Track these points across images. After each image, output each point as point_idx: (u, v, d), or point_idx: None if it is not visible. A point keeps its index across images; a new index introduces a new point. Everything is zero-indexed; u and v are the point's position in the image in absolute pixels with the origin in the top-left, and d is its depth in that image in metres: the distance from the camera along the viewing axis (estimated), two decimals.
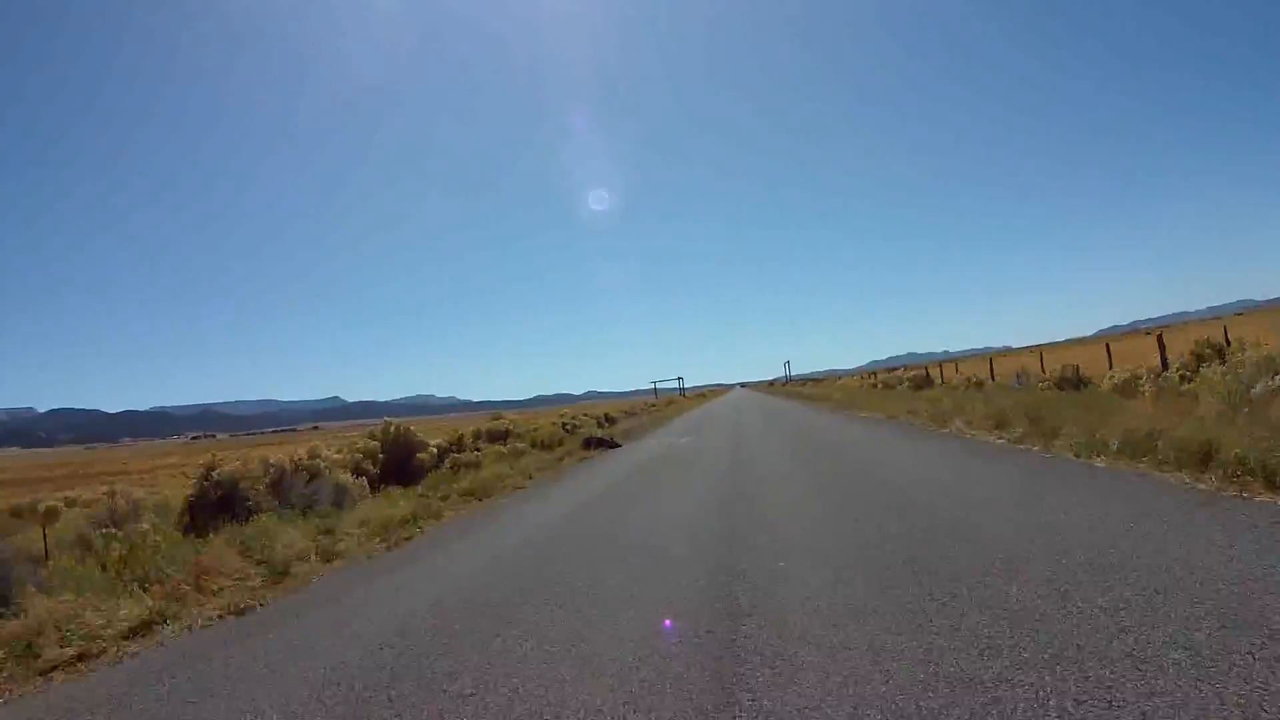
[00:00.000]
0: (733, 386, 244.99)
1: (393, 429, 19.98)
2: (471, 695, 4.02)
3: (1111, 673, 3.34)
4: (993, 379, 26.74)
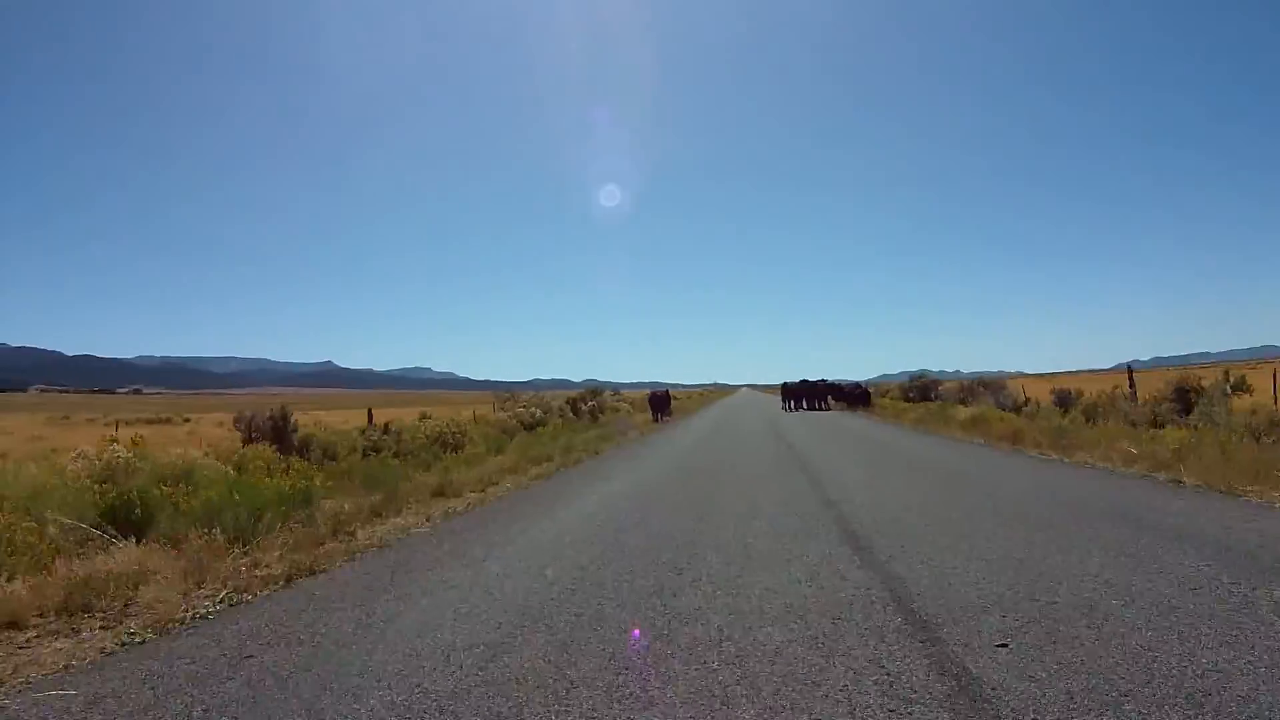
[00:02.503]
0: (739, 388, 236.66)
1: None
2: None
3: None
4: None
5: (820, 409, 41.51)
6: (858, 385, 40.65)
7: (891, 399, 41.54)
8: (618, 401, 49.10)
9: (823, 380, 43.72)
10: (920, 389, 44.97)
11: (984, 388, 33.25)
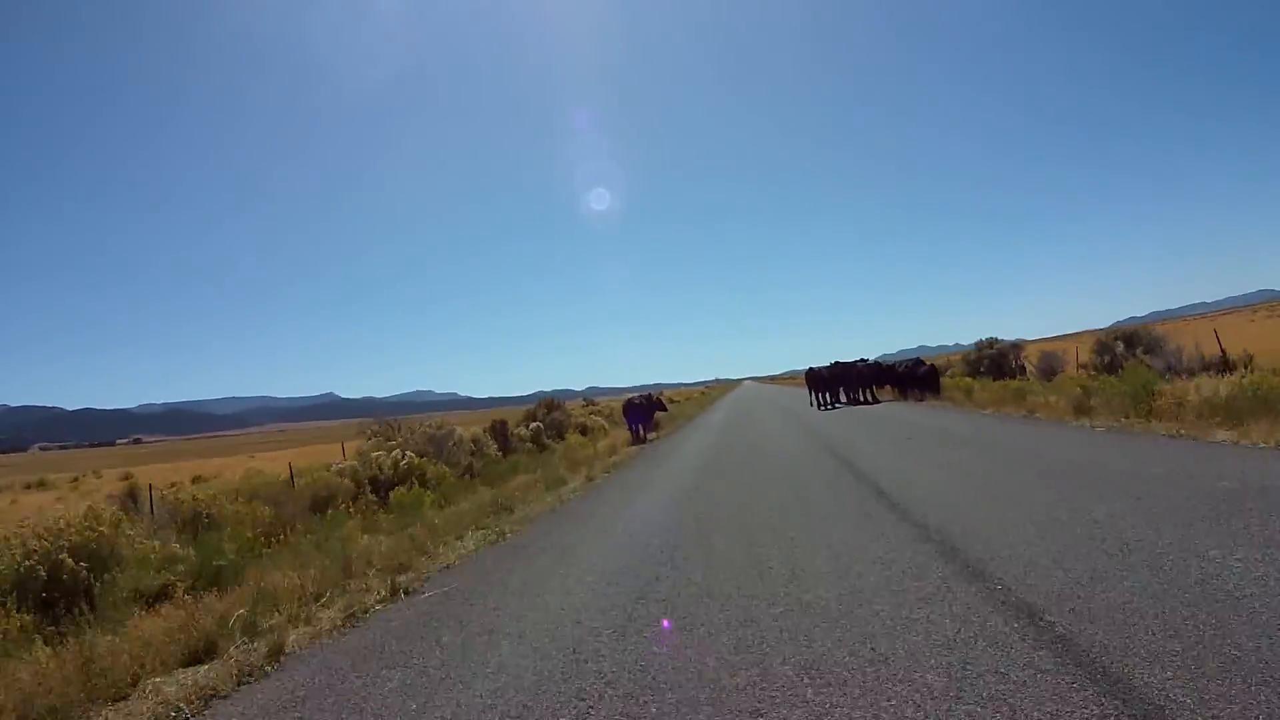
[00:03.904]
0: (742, 381, 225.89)
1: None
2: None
3: None
4: None
5: (866, 401, 29.60)
6: (919, 363, 28.67)
7: (954, 378, 29.61)
8: (592, 413, 37.16)
9: (862, 360, 31.75)
10: (993, 361, 33.16)
11: (1130, 344, 21.36)
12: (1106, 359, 21.03)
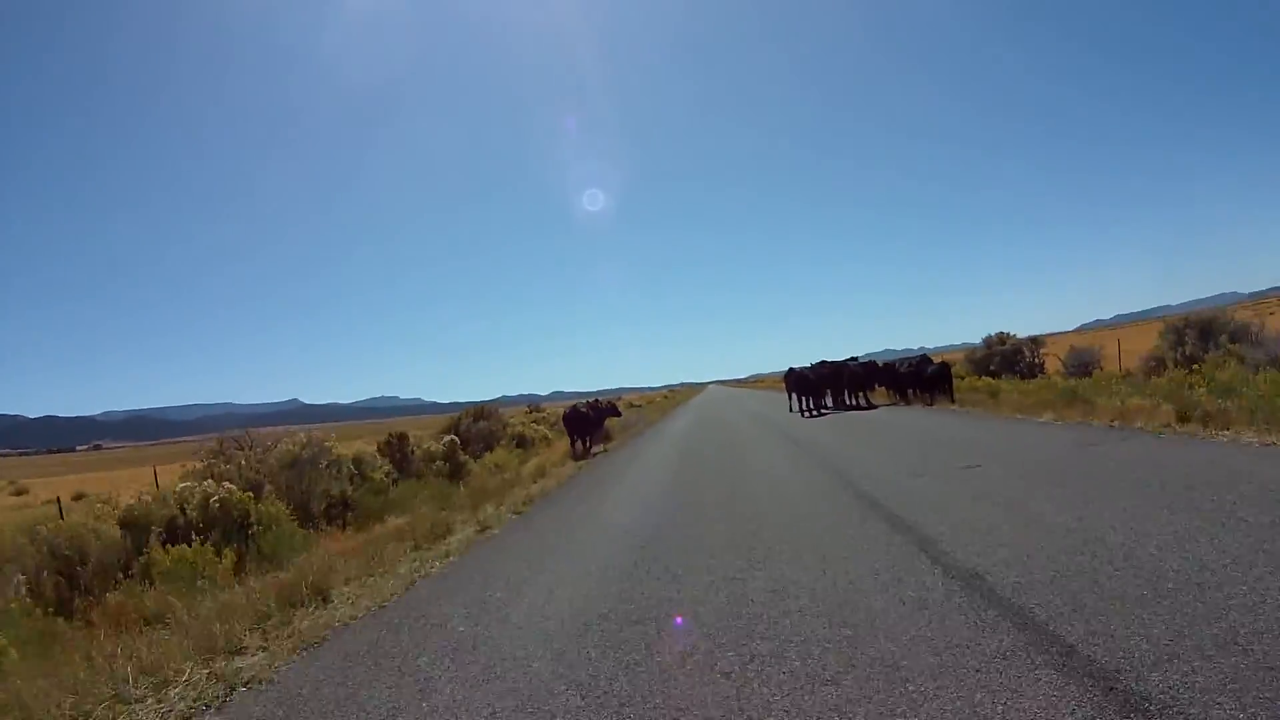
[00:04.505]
0: (707, 385, 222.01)
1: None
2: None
3: None
4: None
5: (858, 406, 24.66)
6: (925, 360, 23.76)
7: (962, 378, 24.81)
8: (535, 421, 31.76)
9: (852, 359, 26.77)
10: (1004, 359, 28.56)
11: (1206, 333, 16.71)
12: (1182, 351, 16.23)
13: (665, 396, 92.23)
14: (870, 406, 24.33)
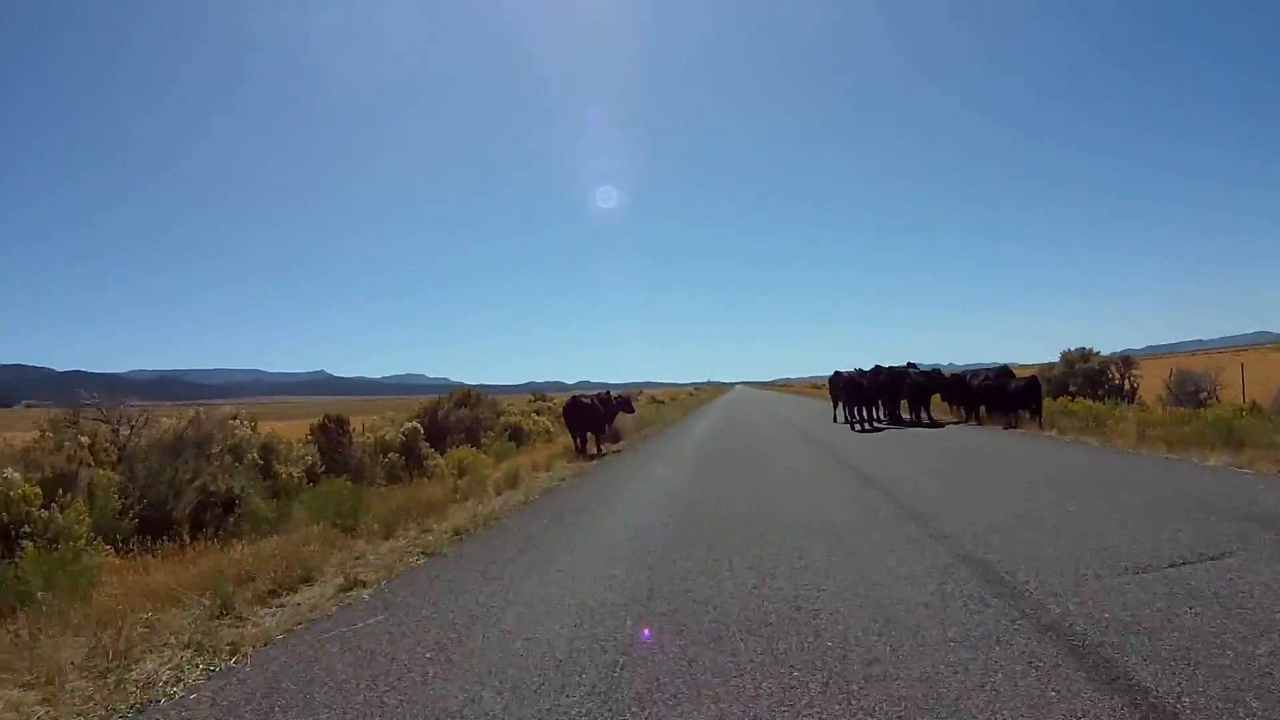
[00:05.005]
0: (734, 385, 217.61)
1: None
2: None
3: None
4: None
5: (922, 422, 20.40)
6: (1006, 373, 19.35)
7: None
8: (536, 411, 27.69)
9: (911, 365, 22.41)
10: (1087, 378, 24.21)
11: None
12: None
13: (690, 394, 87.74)
14: (933, 423, 20.03)
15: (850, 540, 6.49)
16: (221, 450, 11.15)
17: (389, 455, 14.78)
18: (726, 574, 5.62)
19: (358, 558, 7.18)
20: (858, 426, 19.57)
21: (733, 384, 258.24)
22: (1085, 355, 25.46)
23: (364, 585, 6.05)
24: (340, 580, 6.14)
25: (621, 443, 20.05)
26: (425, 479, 13.57)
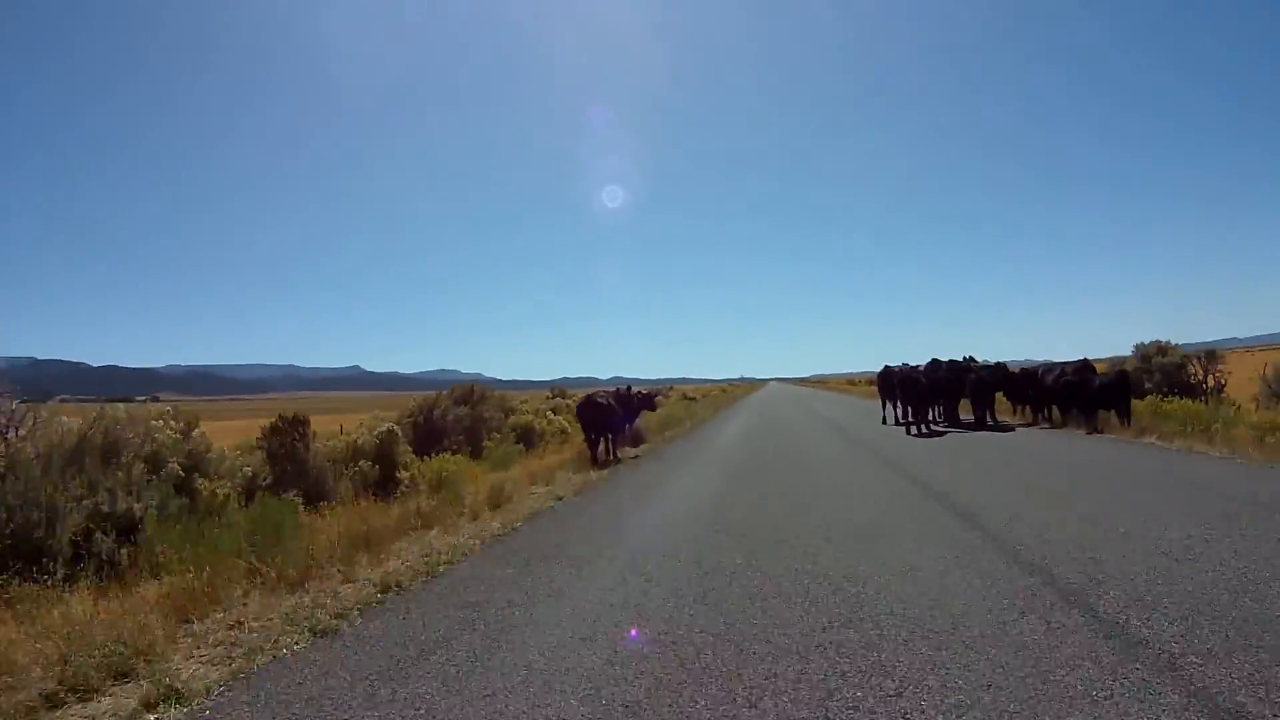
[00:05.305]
0: (767, 382, 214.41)
1: None
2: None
3: None
4: None
5: (984, 424, 17.78)
6: (1087, 368, 16.52)
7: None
8: (554, 408, 25.42)
9: (969, 359, 19.64)
10: (1165, 374, 21.41)
11: None
12: None
13: (723, 391, 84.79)
14: (999, 425, 17.38)
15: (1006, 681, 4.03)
16: (132, 460, 8.98)
17: (360, 464, 12.56)
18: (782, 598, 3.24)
19: (230, 628, 4.94)
20: (914, 430, 16.96)
21: (766, 380, 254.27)
22: (1163, 349, 22.57)
23: (180, 701, 3.76)
24: (150, 689, 3.87)
25: (643, 446, 17.71)
26: (400, 493, 11.34)
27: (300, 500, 10.98)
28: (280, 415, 12.12)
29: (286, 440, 11.47)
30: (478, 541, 7.50)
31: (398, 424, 17.64)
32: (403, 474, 11.89)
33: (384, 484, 12.03)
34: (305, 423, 11.92)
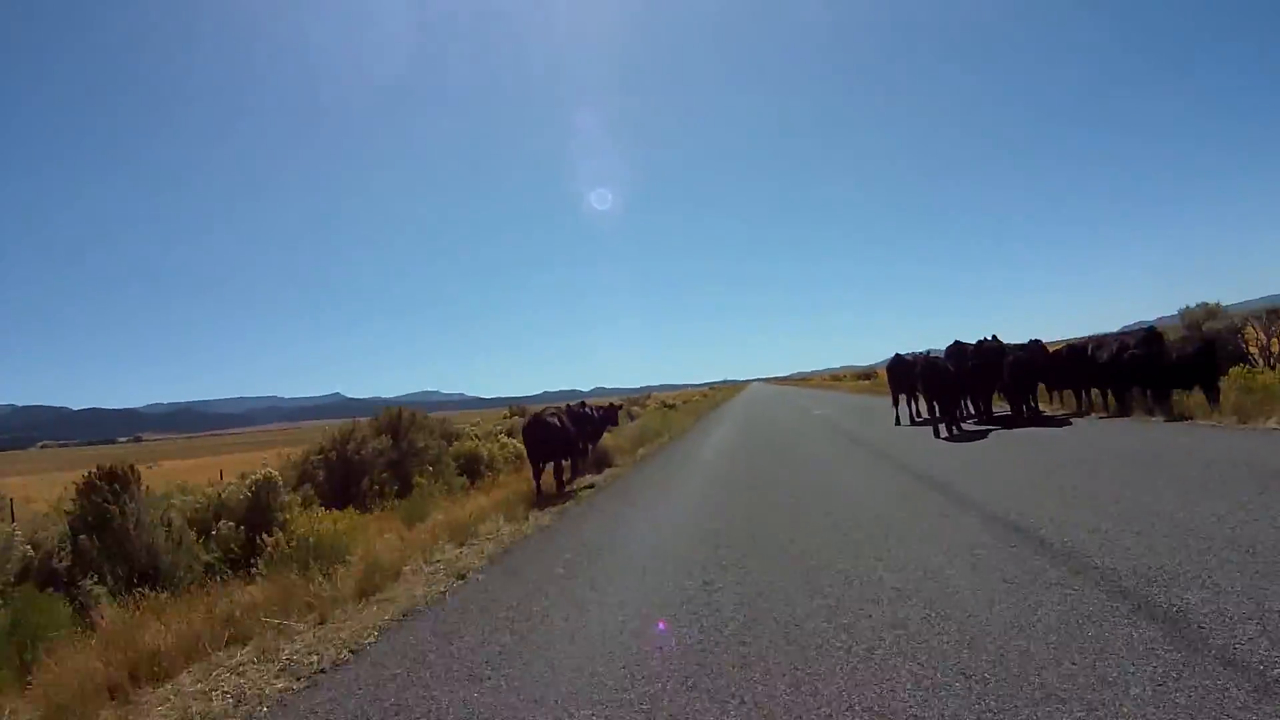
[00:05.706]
0: (749, 383, 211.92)
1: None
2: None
3: None
4: None
5: (1025, 418, 14.52)
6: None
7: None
8: (508, 431, 21.90)
9: (993, 338, 16.17)
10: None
11: None
12: None
13: (704, 395, 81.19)
14: (1041, 417, 14.20)
15: None
16: None
17: (220, 526, 9.13)
18: None
19: None
20: (944, 431, 13.55)
21: (748, 381, 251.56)
22: (1212, 312, 19.57)
23: None
24: None
25: (607, 471, 14.39)
26: (260, 567, 7.93)
27: (106, 589, 7.65)
28: (97, 467, 8.66)
29: (98, 502, 8.04)
30: (301, 671, 4.17)
31: (306, 462, 14.26)
32: (268, 539, 8.45)
33: (244, 560, 8.62)
34: (128, 480, 8.45)
